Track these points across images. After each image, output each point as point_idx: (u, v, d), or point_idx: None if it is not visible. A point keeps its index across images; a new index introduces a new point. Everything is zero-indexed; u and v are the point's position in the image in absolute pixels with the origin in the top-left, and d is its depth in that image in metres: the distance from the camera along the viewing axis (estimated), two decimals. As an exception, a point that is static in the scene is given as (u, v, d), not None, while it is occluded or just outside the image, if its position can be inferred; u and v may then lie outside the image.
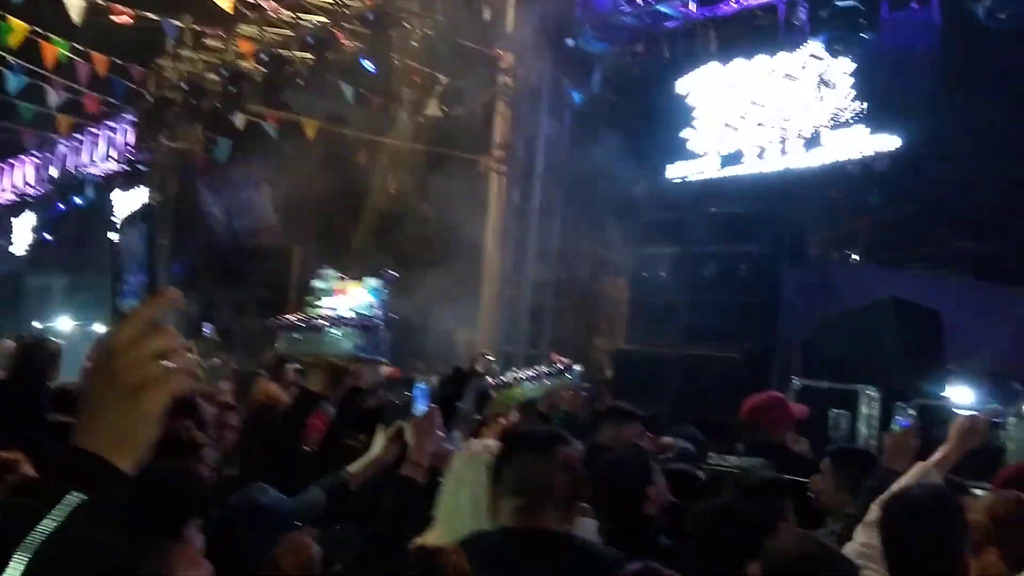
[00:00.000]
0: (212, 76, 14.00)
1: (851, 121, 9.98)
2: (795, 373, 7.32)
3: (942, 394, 6.61)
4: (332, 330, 4.07)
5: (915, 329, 7.19)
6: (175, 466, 2.15)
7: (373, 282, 4.26)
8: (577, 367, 5.71)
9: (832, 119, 10.12)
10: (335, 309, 4.13)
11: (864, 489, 3.47)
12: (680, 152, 11.31)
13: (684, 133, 11.28)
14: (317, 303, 4.19)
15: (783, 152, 10.60)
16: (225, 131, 13.88)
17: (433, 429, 3.01)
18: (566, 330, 12.09)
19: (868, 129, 9.81)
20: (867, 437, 6.22)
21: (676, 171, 11.34)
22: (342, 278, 4.23)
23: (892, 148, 9.75)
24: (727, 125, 11.02)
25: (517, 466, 2.60)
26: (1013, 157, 10.13)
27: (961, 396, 6.71)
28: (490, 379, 4.78)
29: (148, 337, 1.07)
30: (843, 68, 9.93)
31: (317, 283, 4.25)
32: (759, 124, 10.76)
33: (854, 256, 10.36)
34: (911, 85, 9.56)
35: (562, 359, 5.30)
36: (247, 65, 13.01)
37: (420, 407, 3.08)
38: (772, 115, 10.63)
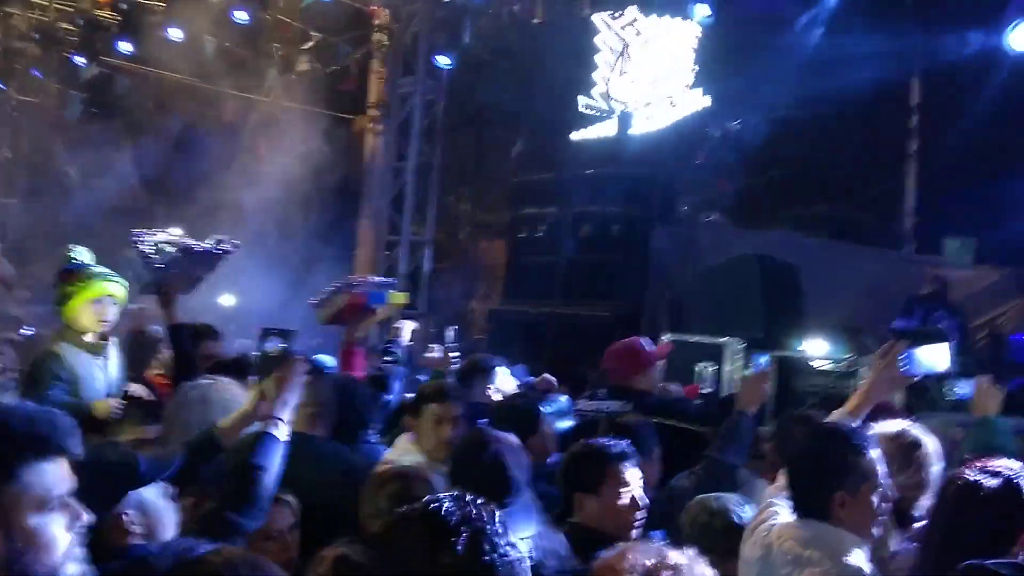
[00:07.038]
0: (66, 25, 13.15)
1: (716, 85, 10.21)
2: (664, 329, 7.54)
3: (799, 347, 6.93)
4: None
5: (776, 284, 7.51)
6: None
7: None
8: (453, 328, 5.81)
9: (698, 83, 10.33)
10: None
11: (719, 431, 3.61)
12: (565, 112, 11.32)
13: (569, 94, 11.30)
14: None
15: (651, 115, 10.77)
16: (79, 85, 13.09)
17: (297, 382, 2.93)
18: (443, 291, 12.05)
19: (731, 94, 10.06)
20: (731, 387, 6.46)
21: (575, 134, 11.34)
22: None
23: (754, 115, 10.06)
24: (607, 83, 11.12)
25: None
26: (863, 125, 10.63)
27: (817, 348, 7.04)
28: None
29: None
30: (709, 32, 10.12)
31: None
32: (632, 83, 10.89)
33: (716, 216, 10.70)
34: (781, 52, 9.85)
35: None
36: (103, 14, 12.27)
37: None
38: (647, 77, 10.77)
